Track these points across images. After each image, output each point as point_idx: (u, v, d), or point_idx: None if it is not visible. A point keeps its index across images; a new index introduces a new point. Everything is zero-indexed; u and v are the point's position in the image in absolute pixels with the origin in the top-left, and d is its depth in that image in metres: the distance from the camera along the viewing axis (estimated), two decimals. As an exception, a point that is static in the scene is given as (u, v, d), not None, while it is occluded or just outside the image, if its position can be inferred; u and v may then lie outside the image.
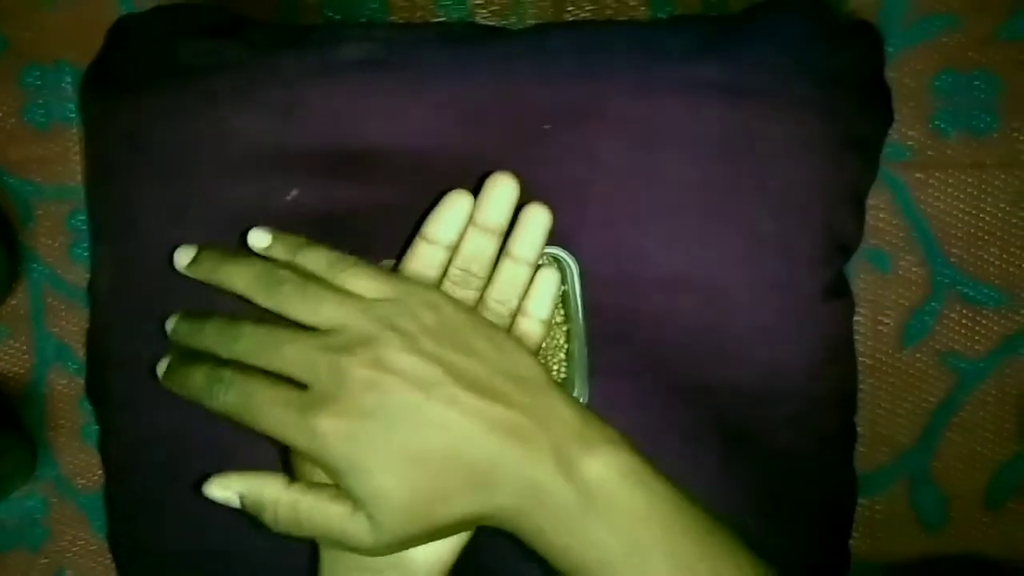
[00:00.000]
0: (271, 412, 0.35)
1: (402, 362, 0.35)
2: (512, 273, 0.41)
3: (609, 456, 0.35)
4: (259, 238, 0.39)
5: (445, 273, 0.40)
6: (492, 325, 0.38)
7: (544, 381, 0.37)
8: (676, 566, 0.35)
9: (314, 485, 0.37)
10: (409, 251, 0.41)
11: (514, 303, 0.41)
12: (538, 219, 0.40)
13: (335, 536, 0.35)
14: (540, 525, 0.35)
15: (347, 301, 0.36)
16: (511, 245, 0.41)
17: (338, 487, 0.36)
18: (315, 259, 0.38)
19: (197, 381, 0.37)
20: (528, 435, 0.35)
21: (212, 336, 0.38)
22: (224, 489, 0.37)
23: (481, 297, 0.41)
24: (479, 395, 0.35)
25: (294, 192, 0.43)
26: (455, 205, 0.40)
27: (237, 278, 0.38)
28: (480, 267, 0.40)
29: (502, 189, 0.40)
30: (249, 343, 0.36)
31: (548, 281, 0.41)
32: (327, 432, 0.34)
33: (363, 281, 0.37)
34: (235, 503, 0.37)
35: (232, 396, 0.36)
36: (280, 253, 0.39)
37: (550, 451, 0.35)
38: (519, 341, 0.39)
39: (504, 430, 0.35)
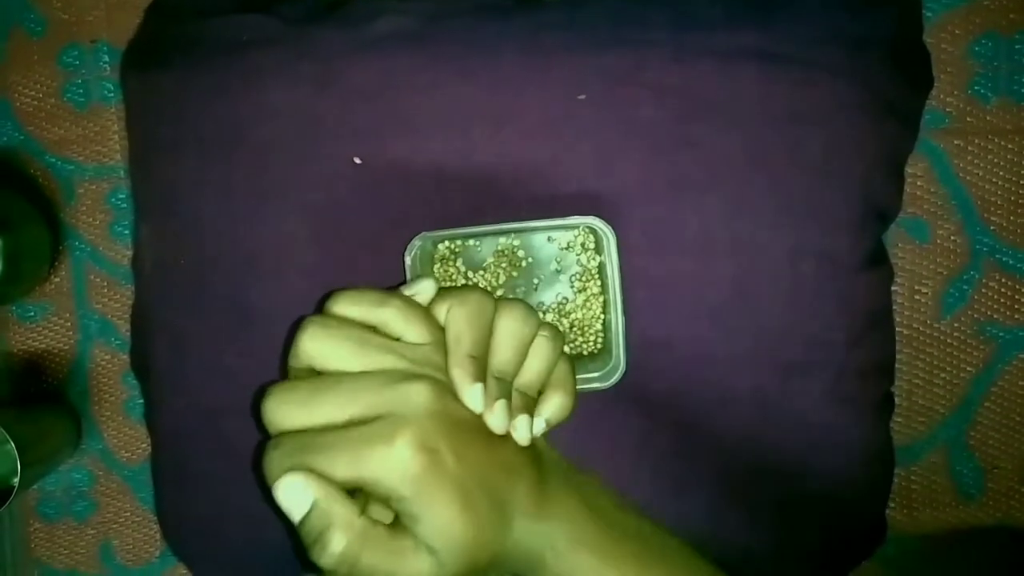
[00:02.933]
0: (347, 441, 0.33)
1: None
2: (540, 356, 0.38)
3: (552, 529, 0.35)
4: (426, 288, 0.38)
5: None
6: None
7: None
8: None
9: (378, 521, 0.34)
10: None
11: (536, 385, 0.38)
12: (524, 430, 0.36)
13: (394, 571, 0.33)
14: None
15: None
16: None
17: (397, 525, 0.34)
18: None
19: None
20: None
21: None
22: (300, 488, 0.32)
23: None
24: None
25: (357, 160, 0.43)
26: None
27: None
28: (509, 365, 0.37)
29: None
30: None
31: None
32: (402, 457, 0.32)
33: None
34: (302, 508, 0.32)
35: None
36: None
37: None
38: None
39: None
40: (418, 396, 0.33)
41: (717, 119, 0.44)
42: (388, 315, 0.35)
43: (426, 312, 0.37)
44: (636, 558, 0.36)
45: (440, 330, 0.36)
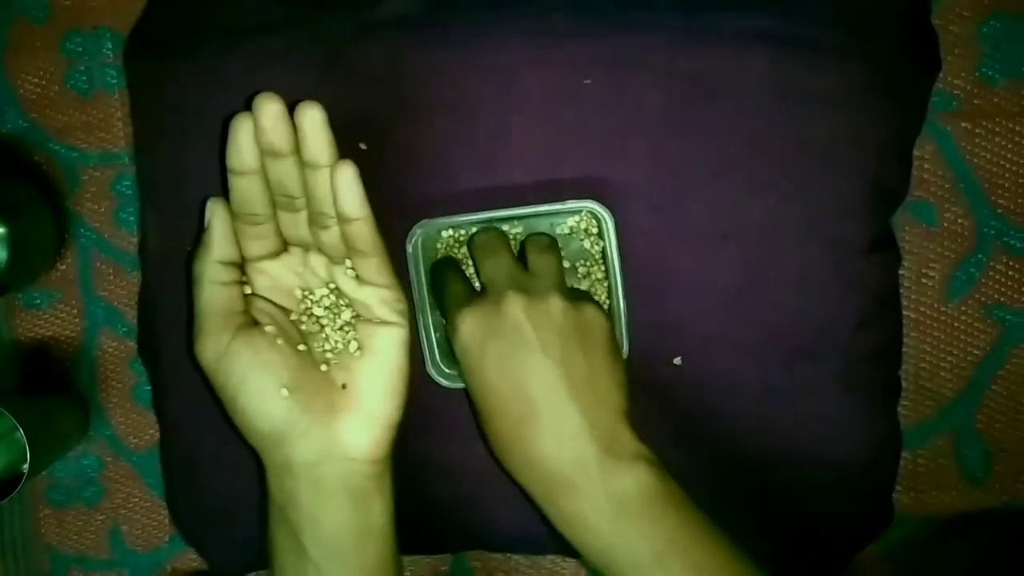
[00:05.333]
0: (455, 292, 0.44)
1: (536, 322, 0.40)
2: (315, 181, 0.39)
3: (640, 475, 0.39)
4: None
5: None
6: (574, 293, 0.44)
7: (606, 342, 0.42)
8: None
9: None
10: (229, 190, 0.40)
11: (330, 209, 0.40)
12: (311, 118, 0.38)
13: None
14: (574, 514, 0.38)
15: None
16: (302, 155, 0.39)
17: None
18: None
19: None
20: (588, 409, 0.40)
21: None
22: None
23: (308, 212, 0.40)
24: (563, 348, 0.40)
25: (362, 146, 0.44)
26: (240, 130, 0.39)
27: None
28: (294, 187, 0.40)
29: (268, 113, 0.38)
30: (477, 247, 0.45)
31: (343, 176, 0.38)
32: (468, 319, 0.41)
33: None
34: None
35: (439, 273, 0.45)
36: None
37: (596, 443, 0.39)
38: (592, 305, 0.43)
39: (577, 394, 0.39)
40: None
41: (724, 103, 0.44)
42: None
43: None
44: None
45: None
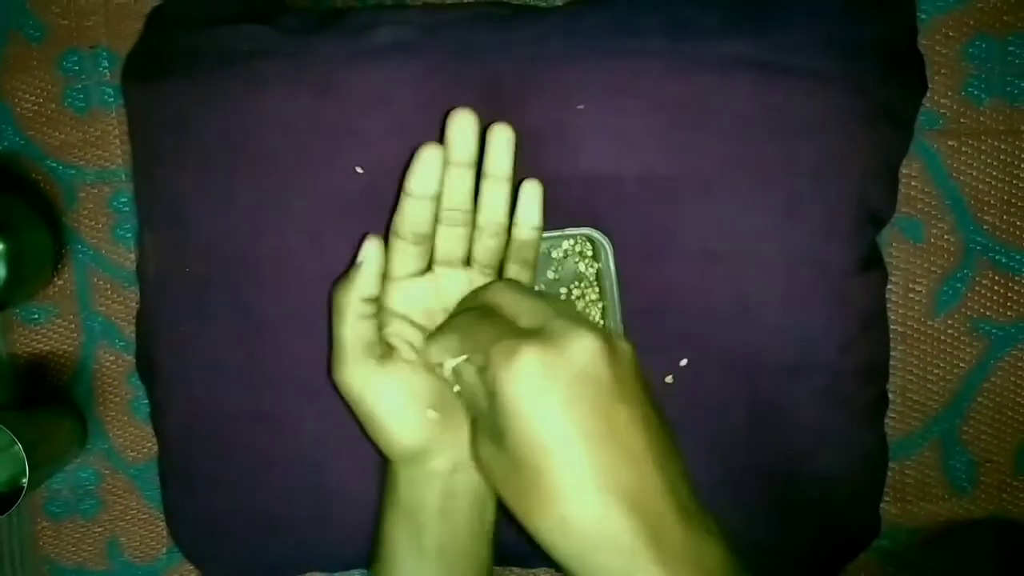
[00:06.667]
0: (496, 327, 0.38)
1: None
2: (492, 191, 0.43)
3: (720, 547, 0.35)
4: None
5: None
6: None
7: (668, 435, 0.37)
8: None
9: None
10: (397, 210, 0.43)
11: (503, 219, 0.43)
12: (502, 135, 0.43)
13: None
14: None
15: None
16: (485, 167, 0.43)
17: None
18: None
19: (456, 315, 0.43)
20: (665, 464, 0.35)
21: (475, 292, 0.44)
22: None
23: (476, 225, 0.43)
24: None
25: (359, 169, 0.45)
26: (428, 157, 0.42)
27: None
28: (463, 200, 0.43)
29: (461, 124, 0.42)
30: (505, 290, 0.41)
31: (531, 190, 0.44)
32: (526, 358, 0.35)
33: None
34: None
35: (476, 312, 0.41)
36: None
37: (675, 502, 0.34)
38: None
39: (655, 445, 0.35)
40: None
41: (712, 128, 0.44)
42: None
43: None
44: None
45: None
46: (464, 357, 0.40)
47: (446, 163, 0.42)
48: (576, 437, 0.34)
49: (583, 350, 0.35)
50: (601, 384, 0.35)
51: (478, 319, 0.40)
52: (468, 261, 0.45)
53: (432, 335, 0.43)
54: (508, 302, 0.40)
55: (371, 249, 0.42)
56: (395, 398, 0.42)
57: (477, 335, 0.39)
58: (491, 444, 0.38)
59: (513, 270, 0.44)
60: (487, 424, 0.38)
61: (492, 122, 0.43)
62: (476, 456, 0.40)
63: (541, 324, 0.37)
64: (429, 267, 0.44)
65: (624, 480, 0.34)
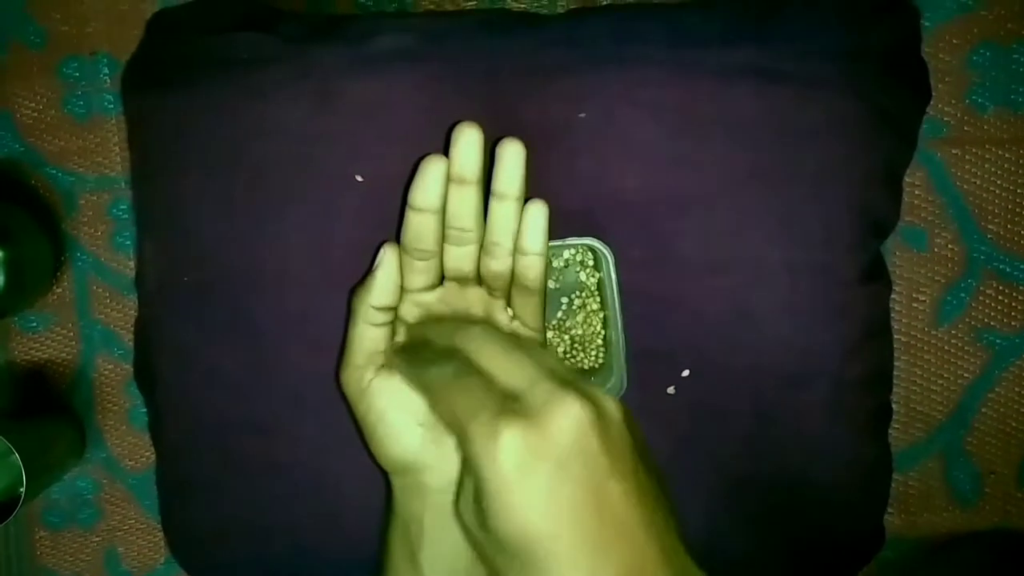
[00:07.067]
0: (472, 395, 0.34)
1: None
2: (501, 212, 0.42)
3: None
4: None
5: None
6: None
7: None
8: None
9: None
10: (404, 224, 0.42)
11: (509, 244, 0.42)
12: (512, 152, 0.41)
13: None
14: None
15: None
16: (494, 185, 0.42)
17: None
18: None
19: (425, 354, 0.40)
20: (662, 535, 0.33)
21: (448, 328, 0.41)
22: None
23: (483, 246, 0.43)
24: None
25: (358, 178, 0.44)
26: (431, 169, 0.41)
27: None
28: (470, 219, 0.42)
29: (467, 139, 0.41)
30: (482, 340, 0.38)
31: (536, 214, 0.42)
32: (507, 439, 0.32)
33: None
34: None
35: (449, 369, 0.37)
36: None
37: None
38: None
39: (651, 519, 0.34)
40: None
41: (715, 136, 0.44)
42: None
43: None
44: None
45: None
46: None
47: (451, 180, 0.42)
48: (566, 525, 0.32)
49: (569, 425, 0.33)
50: (589, 459, 0.33)
51: (454, 377, 0.37)
52: (480, 279, 0.44)
53: (403, 365, 0.42)
54: (486, 355, 0.37)
55: (385, 258, 0.42)
56: (387, 407, 0.42)
57: (452, 398, 0.36)
58: (474, 517, 0.35)
59: (519, 295, 0.43)
60: (470, 490, 0.35)
61: (493, 131, 0.42)
62: (459, 515, 0.37)
63: (522, 389, 0.34)
64: (442, 281, 0.44)
65: (618, 558, 0.32)
